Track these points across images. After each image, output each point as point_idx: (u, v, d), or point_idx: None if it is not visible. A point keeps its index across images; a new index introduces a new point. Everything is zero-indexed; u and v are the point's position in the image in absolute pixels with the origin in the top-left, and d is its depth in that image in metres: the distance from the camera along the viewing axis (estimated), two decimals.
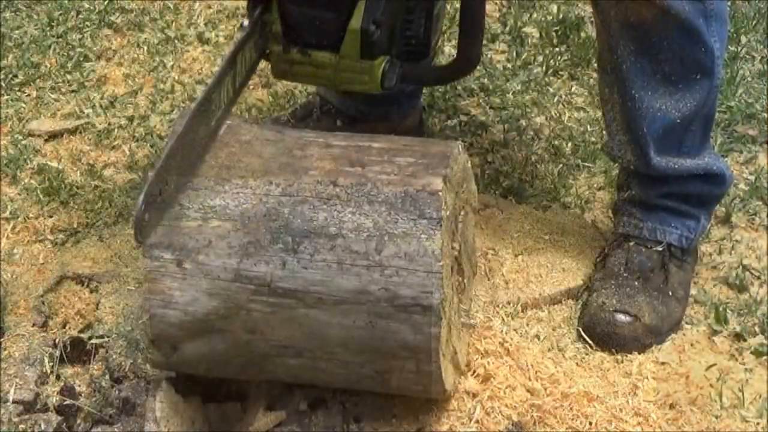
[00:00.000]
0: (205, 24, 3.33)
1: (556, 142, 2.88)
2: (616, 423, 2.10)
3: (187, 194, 1.94)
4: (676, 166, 2.36)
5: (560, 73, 3.16)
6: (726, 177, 2.42)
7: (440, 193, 1.90)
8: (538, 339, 2.29)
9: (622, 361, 2.27)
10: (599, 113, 2.88)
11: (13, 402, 2.14)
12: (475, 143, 2.88)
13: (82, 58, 3.19)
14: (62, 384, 2.20)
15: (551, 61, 3.18)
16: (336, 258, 1.89)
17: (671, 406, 2.16)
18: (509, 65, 3.19)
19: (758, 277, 2.48)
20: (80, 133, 2.92)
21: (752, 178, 2.75)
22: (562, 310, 2.39)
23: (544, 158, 2.83)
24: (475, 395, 2.11)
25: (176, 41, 3.26)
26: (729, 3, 3.27)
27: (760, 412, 2.17)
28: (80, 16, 3.36)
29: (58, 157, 2.84)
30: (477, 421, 2.08)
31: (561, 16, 3.33)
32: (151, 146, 2.86)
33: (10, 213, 2.64)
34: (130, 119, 2.96)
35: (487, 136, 2.92)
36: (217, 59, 3.18)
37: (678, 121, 2.31)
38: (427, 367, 1.93)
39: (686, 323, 2.37)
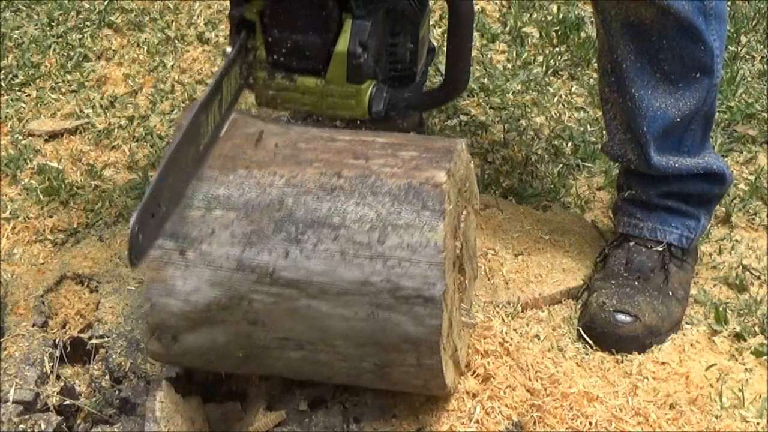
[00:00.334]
0: (205, 24, 3.33)
1: (556, 142, 2.88)
2: (616, 423, 2.10)
3: (192, 184, 1.94)
4: (677, 166, 2.36)
5: (560, 73, 3.16)
6: (726, 176, 2.42)
7: (444, 186, 1.90)
8: (538, 339, 2.29)
9: (622, 361, 2.27)
10: (599, 113, 2.88)
11: (13, 402, 2.14)
12: (475, 143, 2.88)
13: (82, 58, 3.19)
14: (62, 384, 2.20)
15: (551, 61, 3.18)
16: (339, 248, 1.89)
17: (671, 406, 2.16)
18: (509, 65, 3.20)
19: (758, 277, 2.48)
20: (80, 133, 2.92)
21: (752, 178, 2.75)
22: (562, 310, 2.39)
23: (544, 158, 2.83)
24: (475, 395, 2.11)
25: (176, 41, 3.26)
26: (729, 3, 3.27)
27: (760, 412, 2.17)
28: (80, 16, 3.36)
29: (58, 157, 2.84)
30: (477, 421, 2.08)
31: (561, 16, 3.33)
32: (151, 146, 2.86)
33: (10, 213, 2.64)
34: (130, 119, 2.96)
35: (487, 136, 2.92)
36: (217, 59, 3.18)
37: (678, 120, 2.31)
38: (428, 360, 1.93)
39: (686, 323, 2.37)
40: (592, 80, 3.08)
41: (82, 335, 2.28)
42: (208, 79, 3.12)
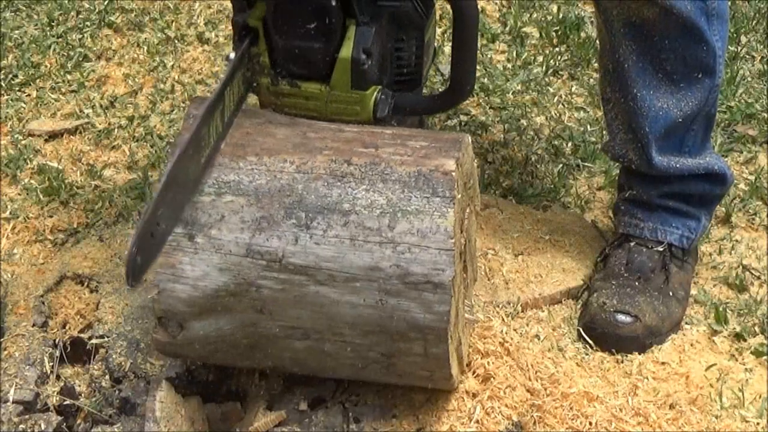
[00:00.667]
0: (205, 24, 3.33)
1: (556, 142, 2.88)
2: (616, 423, 2.10)
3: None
4: (678, 166, 2.36)
5: (560, 73, 3.16)
6: (727, 177, 2.42)
7: (453, 174, 1.91)
8: (538, 339, 2.29)
9: (622, 361, 2.27)
10: (599, 113, 2.88)
11: (13, 402, 2.14)
12: (475, 143, 2.88)
13: (82, 58, 3.19)
14: (62, 384, 2.20)
15: (551, 61, 3.18)
16: (349, 234, 1.89)
17: (671, 406, 2.16)
18: (509, 65, 3.20)
19: (758, 277, 2.48)
20: (80, 133, 2.92)
21: (752, 178, 2.75)
22: (562, 310, 2.39)
23: (544, 158, 2.83)
24: (475, 395, 2.11)
25: (176, 41, 3.26)
26: (729, 3, 3.27)
27: (760, 412, 2.17)
28: (80, 16, 3.36)
29: (58, 157, 2.84)
30: (477, 421, 2.08)
31: (561, 16, 3.33)
32: (151, 146, 2.86)
33: (10, 213, 2.64)
34: (130, 119, 2.96)
35: (487, 136, 2.92)
36: (217, 59, 3.18)
37: (679, 120, 2.31)
38: (435, 348, 1.92)
39: (686, 323, 2.37)
40: (592, 80, 3.08)
41: (82, 335, 2.28)
42: (209, 79, 3.12)
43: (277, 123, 2.05)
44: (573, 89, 3.10)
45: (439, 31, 3.19)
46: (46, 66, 3.16)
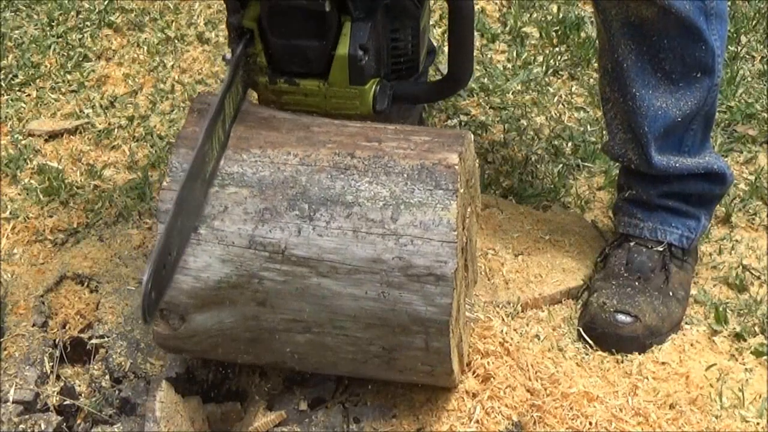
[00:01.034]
0: (205, 24, 3.33)
1: (556, 142, 2.88)
2: (616, 423, 2.10)
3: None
4: (677, 165, 2.36)
5: (560, 73, 3.16)
6: (727, 176, 2.42)
7: (456, 167, 1.91)
8: (538, 339, 2.29)
9: (622, 361, 2.27)
10: (599, 113, 2.88)
11: (13, 402, 2.14)
12: (475, 143, 2.87)
13: (82, 58, 3.19)
14: (62, 384, 2.20)
15: (551, 61, 3.18)
16: (352, 226, 1.90)
17: (671, 406, 2.16)
18: (509, 65, 3.20)
19: (758, 277, 2.48)
20: (80, 133, 2.92)
21: (752, 178, 2.75)
22: (562, 310, 2.39)
23: (544, 158, 2.83)
24: (475, 395, 2.11)
25: (176, 41, 3.26)
26: (729, 3, 3.27)
27: (760, 412, 2.17)
28: (80, 16, 3.36)
29: (58, 157, 2.84)
30: (477, 421, 2.08)
31: (561, 16, 3.33)
32: (151, 146, 2.86)
33: (10, 213, 2.64)
34: (130, 119, 2.96)
35: (487, 136, 2.92)
36: (217, 59, 3.18)
37: (679, 119, 2.31)
38: (437, 342, 1.92)
39: (686, 323, 2.37)
40: (592, 80, 3.08)
41: (82, 335, 2.28)
42: (209, 79, 3.12)
43: (280, 117, 2.06)
44: (573, 89, 3.10)
45: (439, 31, 3.19)
46: (46, 66, 3.16)
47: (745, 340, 2.33)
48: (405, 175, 1.92)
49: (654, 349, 2.30)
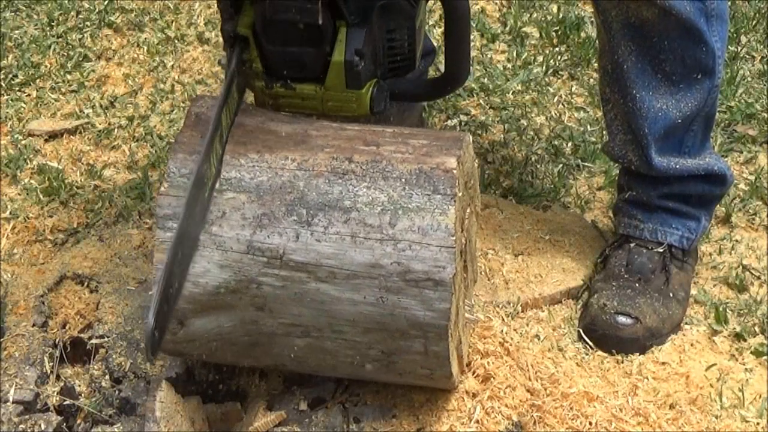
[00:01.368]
0: (205, 24, 3.33)
1: (556, 142, 2.88)
2: (616, 423, 2.10)
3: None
4: (677, 166, 2.36)
5: (560, 73, 3.16)
6: (727, 177, 2.42)
7: (454, 171, 1.91)
8: (538, 339, 2.29)
9: (622, 362, 2.27)
10: (599, 113, 2.88)
11: (13, 402, 2.14)
12: (475, 143, 2.88)
13: (82, 58, 3.19)
14: (62, 384, 2.20)
15: (551, 61, 3.18)
16: (350, 231, 1.89)
17: (671, 406, 2.16)
18: (509, 65, 3.20)
19: (758, 277, 2.48)
20: (80, 133, 2.92)
21: (752, 178, 2.75)
22: (562, 310, 2.39)
23: (544, 158, 2.83)
24: (475, 395, 2.11)
25: (176, 41, 3.26)
26: (729, 3, 3.27)
27: (760, 412, 2.17)
28: (80, 16, 3.36)
29: (58, 157, 2.84)
30: (477, 421, 2.08)
31: (561, 16, 3.33)
32: (151, 146, 2.86)
33: (10, 213, 2.64)
34: (130, 119, 2.96)
35: (487, 136, 2.92)
36: (217, 59, 3.18)
37: (679, 120, 2.31)
38: (435, 346, 1.92)
39: (686, 323, 2.37)
40: (592, 80, 3.08)
41: (82, 335, 2.28)
42: (209, 79, 3.12)
43: (278, 121, 2.05)
44: (573, 89, 3.10)
45: (438, 31, 3.19)
46: (46, 66, 3.16)
47: (745, 340, 2.33)
48: (403, 180, 1.91)
49: (654, 349, 2.30)
